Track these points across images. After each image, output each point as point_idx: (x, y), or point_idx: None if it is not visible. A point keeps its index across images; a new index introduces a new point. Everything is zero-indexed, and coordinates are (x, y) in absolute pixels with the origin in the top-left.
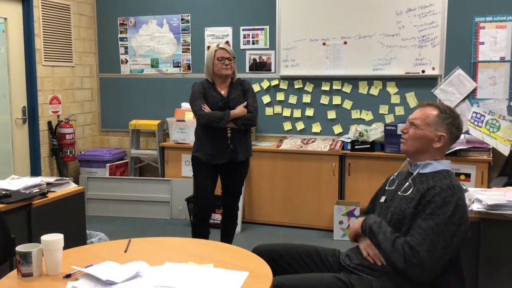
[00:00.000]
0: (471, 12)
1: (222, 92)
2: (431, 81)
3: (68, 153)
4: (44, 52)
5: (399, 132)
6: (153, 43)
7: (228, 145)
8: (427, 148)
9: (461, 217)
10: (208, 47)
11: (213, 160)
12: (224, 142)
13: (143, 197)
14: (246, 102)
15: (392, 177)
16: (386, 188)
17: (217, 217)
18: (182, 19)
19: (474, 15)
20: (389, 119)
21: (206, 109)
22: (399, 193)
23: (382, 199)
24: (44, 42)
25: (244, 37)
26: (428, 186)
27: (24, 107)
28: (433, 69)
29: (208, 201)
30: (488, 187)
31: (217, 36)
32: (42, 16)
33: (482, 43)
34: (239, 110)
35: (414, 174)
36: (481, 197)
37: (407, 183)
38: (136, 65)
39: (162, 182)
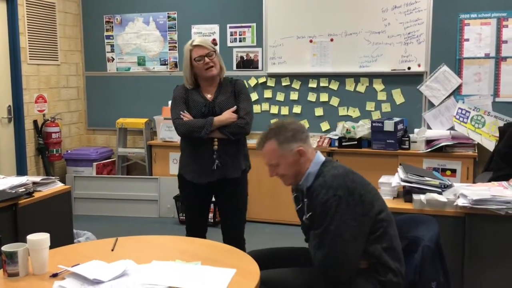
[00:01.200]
0: (456, 9)
1: (208, 96)
2: (417, 78)
3: (54, 152)
4: (29, 51)
5: (386, 128)
6: (140, 41)
7: (213, 160)
8: (300, 167)
9: (347, 205)
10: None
11: (199, 179)
12: (209, 157)
13: (130, 196)
14: (235, 107)
15: (294, 195)
16: (296, 209)
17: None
18: (168, 17)
19: (459, 12)
20: (376, 115)
21: (186, 116)
22: (304, 217)
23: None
24: (29, 40)
25: (231, 35)
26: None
27: (9, 106)
28: (419, 65)
29: (199, 231)
30: (474, 182)
31: (204, 34)
32: (27, 14)
33: (467, 40)
34: (226, 116)
35: (305, 192)
36: (466, 192)
37: (305, 203)
38: (123, 63)
39: (150, 181)
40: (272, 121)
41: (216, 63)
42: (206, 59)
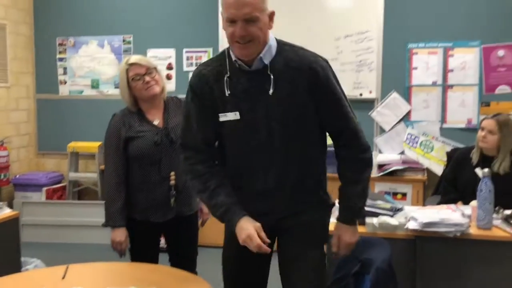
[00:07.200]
0: (404, 39)
1: (156, 121)
2: (369, 104)
3: (2, 177)
4: None
5: None
6: (94, 64)
7: (169, 197)
8: (266, 34)
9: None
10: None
11: (150, 216)
12: (164, 193)
13: (81, 222)
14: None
15: (228, 76)
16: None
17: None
18: (124, 40)
19: (408, 42)
20: (330, 140)
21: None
22: (270, 92)
23: None
24: None
25: (188, 59)
26: None
27: None
28: (370, 92)
29: None
30: (424, 205)
31: (159, 58)
32: None
33: (415, 68)
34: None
35: (268, 67)
36: (416, 216)
37: (272, 78)
38: (76, 86)
39: (101, 206)
40: None
41: (158, 81)
42: (146, 78)
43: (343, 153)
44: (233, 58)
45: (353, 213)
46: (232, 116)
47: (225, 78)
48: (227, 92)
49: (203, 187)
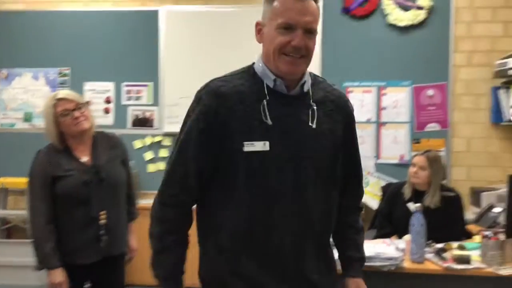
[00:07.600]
0: (341, 77)
1: (85, 159)
2: None
3: None
4: None
5: None
6: (27, 96)
7: (98, 237)
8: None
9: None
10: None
11: (77, 258)
12: (93, 232)
13: (10, 262)
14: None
15: (266, 101)
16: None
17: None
18: (60, 73)
19: (344, 81)
20: None
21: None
22: (312, 125)
23: None
24: None
25: (127, 93)
26: None
27: None
28: None
29: None
30: None
31: (98, 91)
32: None
33: None
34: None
35: (310, 94)
36: None
37: (315, 109)
38: (7, 118)
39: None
40: None
41: (88, 116)
42: (76, 113)
43: (349, 202)
44: (272, 76)
45: (363, 263)
46: (260, 146)
47: (264, 102)
48: (269, 122)
49: (159, 234)
